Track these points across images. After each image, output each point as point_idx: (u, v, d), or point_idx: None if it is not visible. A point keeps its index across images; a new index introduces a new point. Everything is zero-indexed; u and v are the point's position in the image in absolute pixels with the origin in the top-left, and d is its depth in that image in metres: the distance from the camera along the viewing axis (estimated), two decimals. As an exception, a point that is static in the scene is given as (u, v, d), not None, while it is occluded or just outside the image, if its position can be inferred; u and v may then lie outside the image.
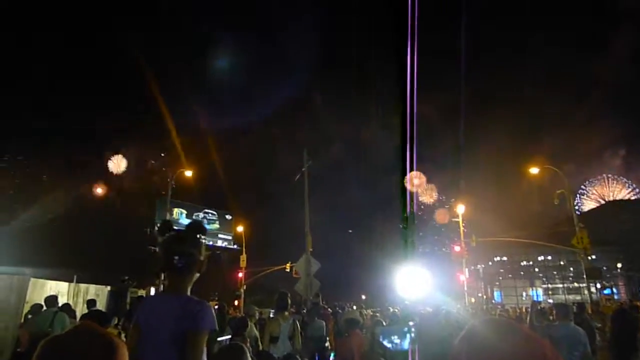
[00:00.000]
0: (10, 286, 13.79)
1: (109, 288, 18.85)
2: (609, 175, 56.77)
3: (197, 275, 2.51)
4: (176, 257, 2.41)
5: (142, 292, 23.25)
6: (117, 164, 37.30)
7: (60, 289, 15.59)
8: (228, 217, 36.12)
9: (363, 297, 48.04)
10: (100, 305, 14.40)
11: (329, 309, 15.55)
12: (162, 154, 41.93)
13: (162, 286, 23.23)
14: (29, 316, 10.68)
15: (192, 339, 2.23)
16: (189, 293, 2.44)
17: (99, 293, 18.25)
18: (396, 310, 14.10)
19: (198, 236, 2.54)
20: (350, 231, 36.24)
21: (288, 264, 31.22)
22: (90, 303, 12.15)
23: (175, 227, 2.63)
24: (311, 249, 17.59)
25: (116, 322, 14.53)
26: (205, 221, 33.45)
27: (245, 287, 33.12)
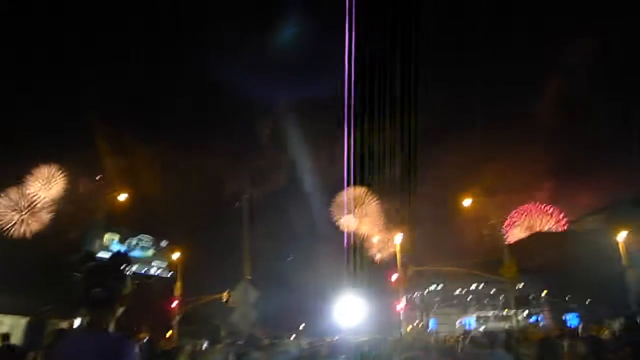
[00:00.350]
0: None
1: (26, 319, 17.50)
2: (538, 205, 60.59)
3: (121, 309, 2.38)
4: (97, 290, 2.27)
5: (64, 324, 21.75)
6: (47, 183, 35.14)
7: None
8: (164, 243, 34.82)
9: (302, 326, 47.47)
10: (16, 339, 13.26)
11: (266, 340, 15.21)
12: (97, 177, 40.15)
13: (86, 317, 21.87)
14: None
15: None
16: (112, 327, 2.30)
17: (14, 324, 16.89)
18: (333, 340, 14.03)
19: (122, 267, 2.42)
20: (290, 258, 35.97)
21: (225, 293, 30.37)
22: (4, 338, 11.18)
23: (99, 256, 2.48)
24: (249, 277, 17.30)
25: (33, 357, 13.45)
26: (138, 247, 32.04)
27: (180, 317, 31.83)
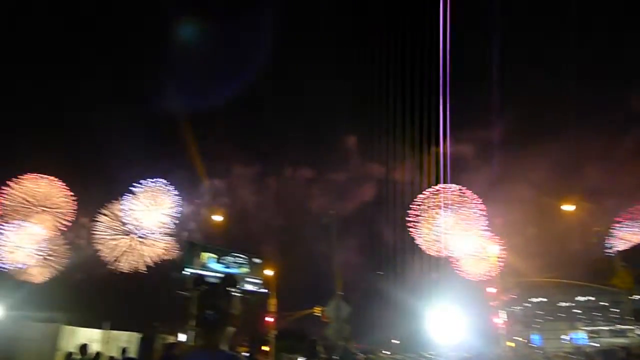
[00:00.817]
0: (43, 334, 14.03)
1: (139, 335, 18.92)
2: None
3: (232, 330, 2.53)
4: (209, 312, 2.43)
5: (172, 339, 23.19)
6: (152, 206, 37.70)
7: (92, 336, 15.72)
8: (257, 260, 35.92)
9: (396, 342, 46.64)
10: (132, 353, 14.40)
11: (361, 355, 15.16)
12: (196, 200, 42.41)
13: (194, 332, 23.16)
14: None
15: None
16: (224, 347, 2.44)
17: (130, 340, 18.33)
18: (431, 355, 13.61)
19: (231, 290, 2.57)
20: (381, 273, 35.61)
21: (317, 308, 30.75)
22: (124, 352, 12.22)
23: (207, 278, 2.63)
24: (341, 293, 17.33)
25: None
26: (234, 265, 33.44)
27: (275, 332, 32.65)
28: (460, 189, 39.09)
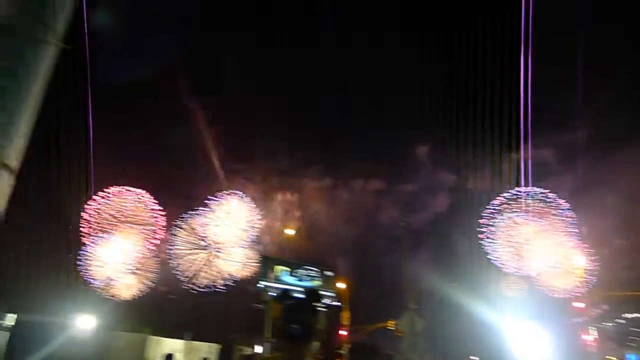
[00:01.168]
0: (131, 344, 15.03)
1: (218, 346, 19.67)
2: None
3: (317, 344, 2.48)
4: (294, 326, 2.42)
5: (249, 350, 23.85)
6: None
7: (175, 347, 16.59)
8: (329, 273, 36.13)
9: (474, 358, 44.72)
10: (211, 363, 15.04)
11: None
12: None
13: (270, 344, 23.70)
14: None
15: None
16: None
17: (210, 350, 19.11)
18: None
19: (316, 305, 2.54)
20: (455, 285, 34.47)
21: (390, 322, 30.32)
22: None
23: (292, 295, 2.64)
24: (415, 306, 17.08)
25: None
26: (307, 278, 33.87)
27: (349, 346, 32.56)
28: (543, 193, 36.45)
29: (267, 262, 29.26)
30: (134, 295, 36.21)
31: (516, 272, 36.45)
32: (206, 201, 38.20)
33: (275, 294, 25.98)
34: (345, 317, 32.68)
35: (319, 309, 2.52)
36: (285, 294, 2.81)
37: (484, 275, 38.31)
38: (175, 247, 38.70)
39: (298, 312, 2.49)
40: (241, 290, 35.90)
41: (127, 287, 36.37)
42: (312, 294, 2.59)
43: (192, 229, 38.64)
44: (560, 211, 35.80)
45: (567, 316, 29.49)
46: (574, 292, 32.36)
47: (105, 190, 38.12)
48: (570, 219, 34.94)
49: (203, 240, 37.89)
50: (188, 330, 19.25)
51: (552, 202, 36.08)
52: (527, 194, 35.39)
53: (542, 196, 36.40)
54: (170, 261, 37.75)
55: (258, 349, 27.72)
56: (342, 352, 32.10)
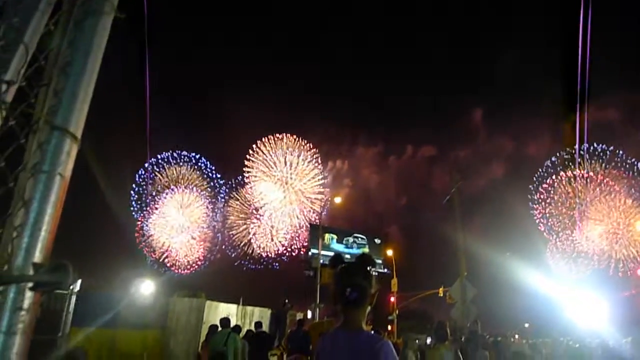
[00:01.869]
0: (190, 308, 15.68)
1: (270, 310, 20.26)
2: None
3: (369, 308, 2.50)
4: (348, 289, 2.42)
5: (300, 315, 24.47)
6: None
7: (230, 311, 17.19)
8: (377, 240, 36.26)
9: (526, 325, 44.05)
10: (264, 327, 15.50)
11: (490, 338, 14.61)
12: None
13: (317, 310, 24.19)
14: (207, 336, 11.83)
15: None
16: (364, 327, 2.43)
17: (262, 315, 19.70)
18: (569, 341, 12.64)
19: (368, 268, 2.54)
20: (508, 254, 33.65)
21: (440, 289, 30.20)
22: (258, 325, 13.18)
23: (344, 260, 2.64)
24: (466, 273, 16.81)
25: (277, 343, 15.54)
26: (355, 245, 34.11)
27: (397, 312, 32.79)
28: (603, 153, 33.49)
29: (316, 230, 29.69)
30: (191, 263, 37.91)
31: (573, 239, 35.18)
32: (256, 170, 39.00)
33: (324, 261, 26.35)
34: (394, 283, 32.78)
35: (372, 273, 2.48)
36: (338, 257, 2.78)
37: (538, 243, 37.22)
38: (228, 215, 39.99)
39: (352, 275, 2.47)
40: (292, 258, 36.76)
41: (185, 253, 38.06)
42: (366, 258, 2.57)
43: (245, 198, 39.61)
44: (623, 172, 33.13)
45: (630, 284, 28.30)
46: (638, 259, 30.94)
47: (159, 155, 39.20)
48: (634, 181, 32.72)
49: (255, 209, 38.88)
50: (242, 295, 19.90)
51: (615, 162, 33.65)
52: (586, 155, 33.04)
53: (602, 156, 34.07)
54: (224, 229, 39.14)
55: (309, 314, 28.46)
56: (392, 318, 32.42)
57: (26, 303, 1.14)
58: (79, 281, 9.79)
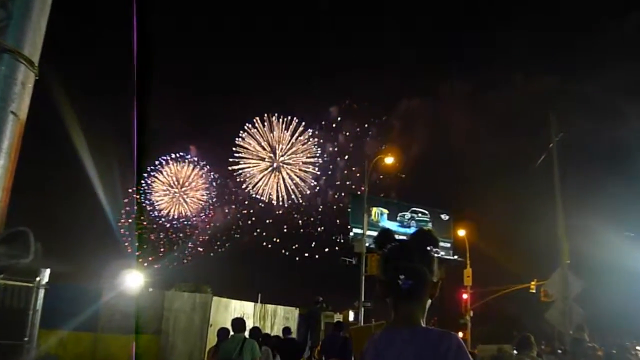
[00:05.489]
0: (193, 305, 16.19)
1: (298, 310, 20.72)
2: None
3: (429, 301, 2.47)
4: (402, 277, 2.38)
5: (338, 317, 24.93)
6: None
7: (246, 310, 17.71)
8: (444, 217, 36.08)
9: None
10: (293, 332, 15.89)
11: (600, 349, 14.56)
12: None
13: (361, 310, 24.56)
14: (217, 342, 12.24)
15: None
16: (424, 324, 2.40)
17: (288, 316, 20.22)
18: None
19: (428, 248, 2.49)
20: (631, 234, 32.86)
21: (532, 283, 30.04)
22: (286, 331, 13.58)
23: (396, 237, 2.60)
24: (569, 261, 16.65)
25: (308, 353, 15.94)
26: (414, 223, 34.07)
27: (472, 314, 32.92)
28: None
29: (360, 202, 29.38)
30: (191, 252, 39.19)
31: None
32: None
33: (370, 244, 26.54)
34: (468, 274, 32.80)
35: (432, 254, 2.45)
36: (386, 234, 2.74)
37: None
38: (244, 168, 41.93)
39: (406, 257, 2.42)
40: (326, 240, 37.11)
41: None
42: (425, 235, 2.52)
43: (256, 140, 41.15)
44: None
45: None
46: None
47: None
48: None
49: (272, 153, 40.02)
50: (261, 290, 20.44)
51: None
52: None
53: None
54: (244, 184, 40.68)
55: (351, 315, 28.94)
56: (463, 321, 32.61)
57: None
58: (48, 270, 10.17)
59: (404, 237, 2.62)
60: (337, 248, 33.84)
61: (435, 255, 2.46)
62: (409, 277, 2.36)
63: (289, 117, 61.39)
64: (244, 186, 57.63)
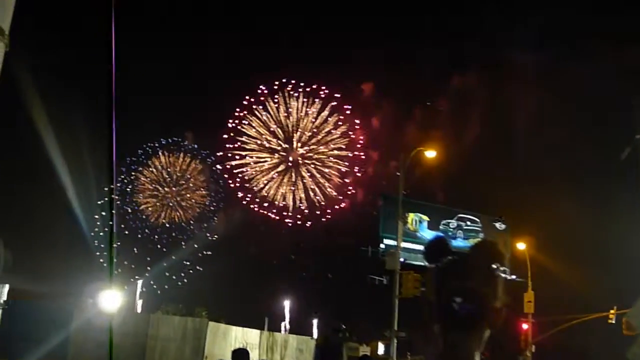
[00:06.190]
0: (184, 331, 16.26)
1: (315, 340, 20.75)
2: None
3: (488, 332, 2.38)
4: (458, 300, 2.32)
5: (364, 350, 24.89)
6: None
7: (249, 339, 17.70)
8: (499, 226, 35.95)
9: None
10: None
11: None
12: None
13: (394, 341, 24.53)
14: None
15: None
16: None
17: (301, 347, 20.21)
18: None
19: (495, 267, 2.39)
20: None
21: (612, 312, 29.81)
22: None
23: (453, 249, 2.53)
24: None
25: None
26: (461, 232, 33.98)
27: (533, 349, 32.76)
28: None
29: (393, 206, 29.27)
30: (187, 270, 39.37)
31: None
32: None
33: (406, 260, 26.41)
34: (529, 299, 32.61)
35: (498, 273, 2.36)
36: (439, 244, 2.63)
37: None
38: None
39: (464, 276, 2.27)
40: (350, 253, 37.11)
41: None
42: (489, 248, 2.41)
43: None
44: None
45: None
46: None
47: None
48: None
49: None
50: (267, 314, 20.49)
51: None
52: None
53: None
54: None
55: (381, 348, 28.90)
56: (522, 358, 32.45)
57: None
58: (7, 286, 10.25)
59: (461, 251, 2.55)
60: (363, 263, 33.54)
61: (502, 275, 2.37)
62: (467, 300, 2.28)
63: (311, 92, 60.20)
64: (246, 185, 56.85)
